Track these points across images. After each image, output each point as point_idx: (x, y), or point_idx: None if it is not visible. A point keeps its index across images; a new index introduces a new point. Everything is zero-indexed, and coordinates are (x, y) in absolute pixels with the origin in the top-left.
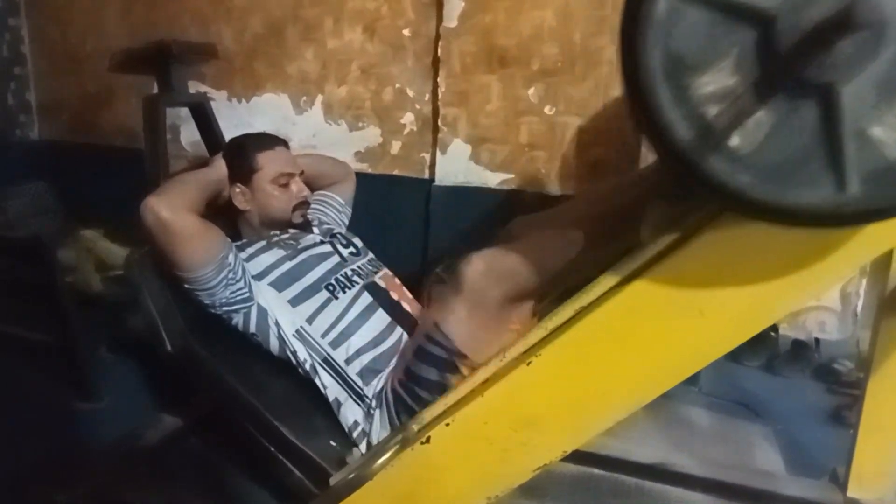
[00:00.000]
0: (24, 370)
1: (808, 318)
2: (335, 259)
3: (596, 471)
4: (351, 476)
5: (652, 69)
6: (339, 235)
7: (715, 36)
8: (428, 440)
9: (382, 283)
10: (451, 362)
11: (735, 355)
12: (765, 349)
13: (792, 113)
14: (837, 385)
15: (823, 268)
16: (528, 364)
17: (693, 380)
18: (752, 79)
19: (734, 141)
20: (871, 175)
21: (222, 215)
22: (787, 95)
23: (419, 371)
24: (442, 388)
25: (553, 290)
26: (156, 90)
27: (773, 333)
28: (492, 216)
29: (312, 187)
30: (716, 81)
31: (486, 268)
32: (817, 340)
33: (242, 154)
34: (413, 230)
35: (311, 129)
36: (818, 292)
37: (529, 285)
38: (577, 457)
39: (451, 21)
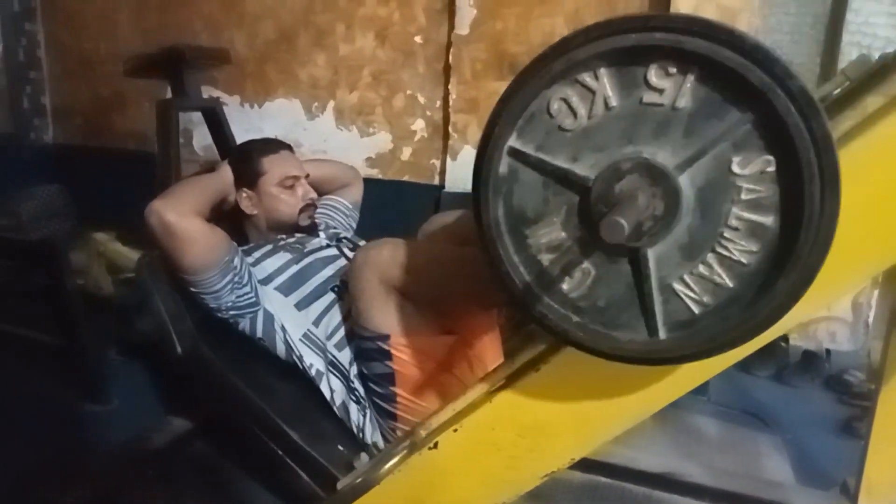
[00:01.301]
0: (33, 372)
1: (818, 329)
2: (341, 262)
3: (603, 479)
4: (358, 480)
5: (496, 221)
6: (345, 239)
7: (547, 195)
8: (436, 445)
9: None
10: (381, 348)
11: (745, 365)
12: (775, 359)
13: (610, 267)
14: (848, 396)
15: (836, 275)
16: (537, 370)
17: (702, 389)
18: (576, 235)
19: (565, 286)
20: (677, 324)
21: (229, 221)
22: (604, 252)
23: (367, 369)
24: (392, 378)
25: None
26: (168, 95)
27: (783, 344)
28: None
29: (320, 192)
30: (549, 234)
31: (367, 254)
32: (828, 351)
33: (248, 159)
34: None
35: (323, 134)
36: (830, 300)
37: (406, 282)
38: (585, 465)
39: (462, 28)
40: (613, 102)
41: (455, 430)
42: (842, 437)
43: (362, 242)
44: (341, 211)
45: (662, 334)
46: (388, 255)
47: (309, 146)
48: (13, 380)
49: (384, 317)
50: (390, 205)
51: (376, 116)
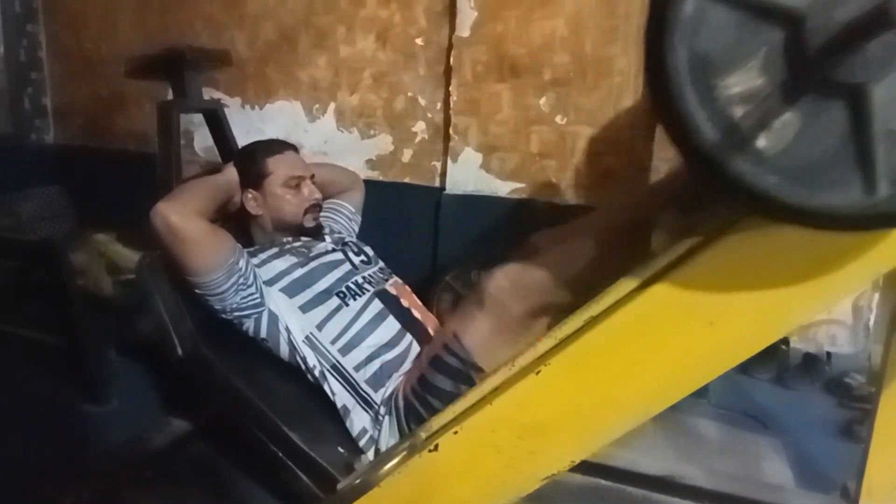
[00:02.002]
0: (33, 372)
1: (819, 332)
2: (346, 267)
3: (603, 482)
4: (357, 481)
5: (678, 70)
6: (350, 244)
7: (742, 36)
8: (436, 448)
9: (393, 291)
10: (467, 374)
11: (745, 368)
12: (775, 362)
13: (820, 114)
14: (848, 399)
15: (838, 277)
16: (537, 373)
17: (702, 392)
18: (779, 79)
19: (761, 142)
20: None
21: (234, 222)
22: (815, 96)
23: (434, 380)
24: (455, 399)
25: (573, 303)
26: (169, 96)
27: (783, 346)
28: (501, 225)
29: (322, 196)
30: (743, 82)
31: (509, 283)
32: (828, 354)
33: (252, 159)
34: (423, 238)
35: (323, 136)
36: (831, 303)
37: (552, 299)
38: (585, 467)
39: (463, 30)
40: None
41: (455, 433)
42: (842, 441)
43: (367, 248)
44: (344, 215)
45: (884, 189)
46: (530, 278)
47: (309, 148)
48: (13, 380)
49: (491, 353)
50: (391, 206)
51: (377, 118)
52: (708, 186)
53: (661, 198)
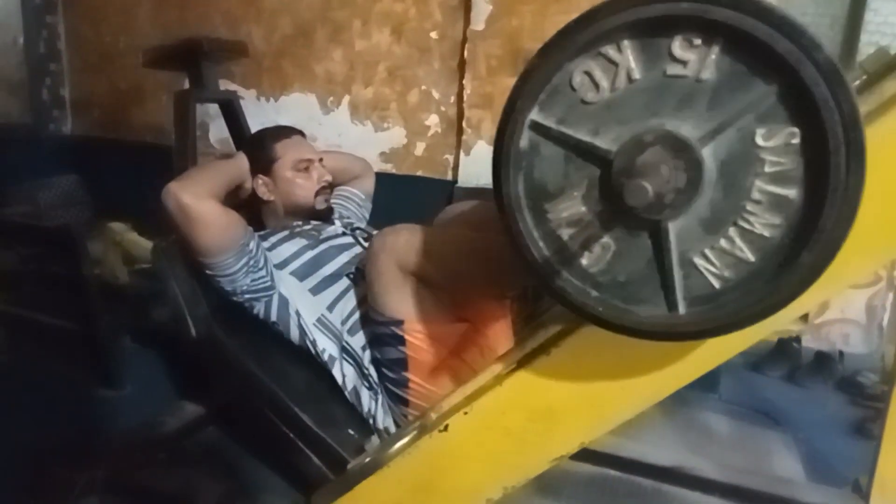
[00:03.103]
0: (49, 356)
1: (832, 331)
2: (356, 249)
3: (612, 472)
4: (367, 461)
5: (516, 195)
6: (360, 229)
7: (568, 169)
8: (446, 428)
9: None
10: (395, 334)
11: (756, 365)
12: (787, 360)
13: (630, 241)
14: (861, 398)
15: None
16: (548, 354)
17: (713, 387)
18: (597, 208)
19: (585, 261)
20: (697, 299)
21: (246, 209)
22: (625, 226)
23: (380, 354)
24: (405, 363)
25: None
26: (186, 87)
27: (795, 344)
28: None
29: (333, 184)
30: (569, 208)
31: (384, 239)
32: (841, 353)
33: (261, 145)
34: None
35: (337, 129)
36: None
37: (423, 267)
38: (594, 457)
39: (478, 24)
40: (637, 75)
41: (465, 413)
42: (854, 438)
43: (376, 232)
44: (354, 202)
45: (682, 309)
46: (405, 240)
47: (324, 140)
48: (31, 364)
49: (399, 302)
50: (404, 199)
51: (391, 111)
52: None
53: None
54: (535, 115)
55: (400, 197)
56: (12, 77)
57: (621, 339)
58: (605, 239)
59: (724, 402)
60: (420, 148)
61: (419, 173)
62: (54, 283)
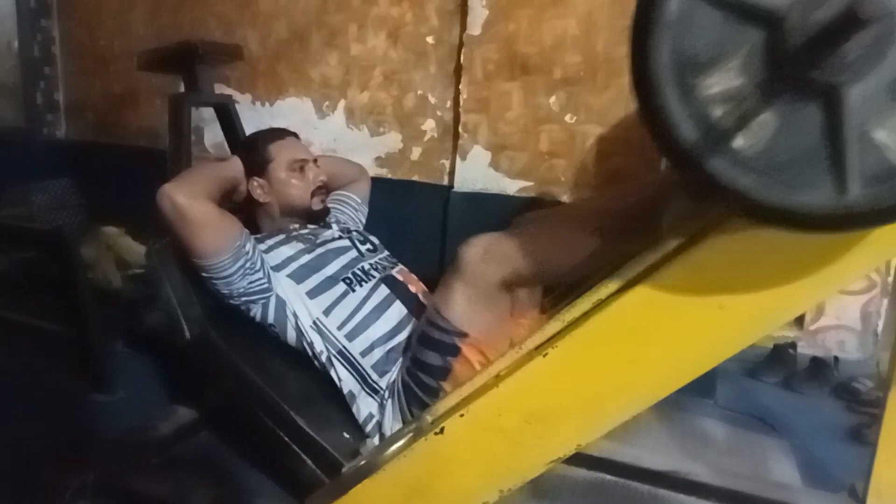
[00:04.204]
0: (41, 360)
1: (827, 337)
2: (353, 253)
3: (608, 477)
4: (362, 463)
5: (660, 68)
6: (356, 233)
7: (724, 36)
8: (442, 431)
9: (400, 277)
10: (453, 345)
11: (752, 371)
12: (783, 366)
13: (797, 114)
14: (857, 403)
15: (836, 269)
16: (545, 356)
17: (709, 393)
18: (758, 79)
19: (738, 142)
20: (872, 179)
21: (242, 213)
22: (792, 97)
23: (423, 357)
24: (446, 373)
25: (563, 283)
26: (181, 90)
27: (791, 351)
28: (510, 223)
29: (329, 188)
30: (723, 82)
31: (483, 250)
32: (836, 359)
33: (255, 147)
34: (431, 236)
35: (333, 133)
36: (834, 290)
37: (526, 272)
38: (590, 462)
39: (474, 29)
40: None
41: (461, 416)
42: (850, 443)
43: (373, 237)
44: (350, 205)
45: (856, 189)
46: (502, 248)
47: (319, 145)
48: (23, 368)
49: (475, 317)
50: (399, 204)
51: (387, 116)
52: (688, 184)
53: (663, 184)
54: None
55: (396, 202)
56: (6, 81)
57: (618, 340)
58: (766, 115)
59: (720, 408)
60: (416, 153)
61: (415, 178)
62: (46, 287)
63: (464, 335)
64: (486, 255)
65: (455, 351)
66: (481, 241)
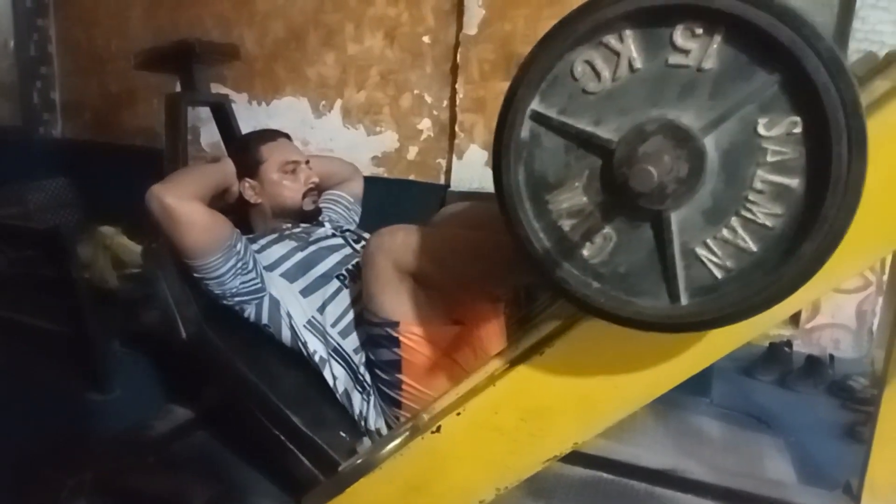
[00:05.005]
0: (38, 360)
1: (822, 335)
2: (346, 251)
3: (605, 475)
4: (359, 462)
5: (517, 185)
6: (349, 231)
7: (568, 160)
8: (438, 429)
9: None
10: (390, 335)
11: (748, 369)
12: (778, 364)
13: (632, 232)
14: (851, 401)
15: (831, 266)
16: (541, 354)
17: (705, 391)
18: (598, 200)
19: (586, 252)
20: (699, 290)
21: (235, 214)
22: (627, 217)
23: (374, 355)
24: (399, 365)
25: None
26: (178, 90)
27: (786, 349)
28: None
29: (321, 188)
30: (570, 199)
31: (380, 240)
32: (831, 357)
33: (247, 149)
34: None
35: (329, 133)
36: (829, 288)
37: (424, 266)
38: (586, 460)
39: (470, 28)
40: (638, 64)
41: (458, 414)
42: (845, 441)
43: (366, 234)
44: (343, 205)
45: (685, 300)
46: (402, 240)
47: (316, 145)
48: (20, 367)
49: (395, 304)
50: (396, 204)
51: (383, 116)
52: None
53: None
54: (535, 104)
55: (392, 201)
56: (3, 80)
57: (614, 338)
58: (607, 230)
59: (715, 406)
60: (412, 152)
61: (411, 177)
62: (43, 286)
63: (394, 324)
64: (386, 245)
65: (395, 341)
66: (385, 231)
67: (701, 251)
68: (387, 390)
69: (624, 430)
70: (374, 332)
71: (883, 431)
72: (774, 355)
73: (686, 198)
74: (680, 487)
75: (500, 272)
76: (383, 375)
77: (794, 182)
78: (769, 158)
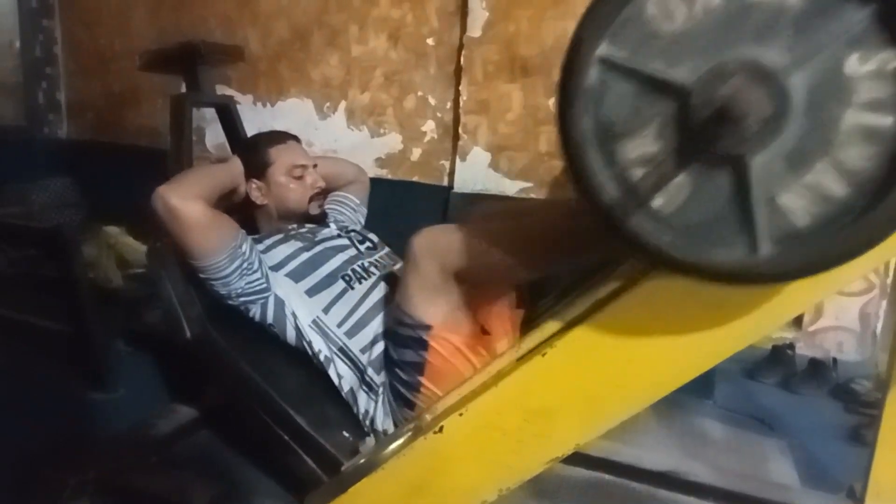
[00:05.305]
0: (41, 359)
1: (826, 338)
2: (352, 251)
3: (607, 476)
4: (362, 462)
5: (583, 134)
6: (355, 231)
7: (639, 106)
8: (441, 430)
9: (400, 274)
10: (420, 339)
11: (751, 372)
12: (781, 367)
13: (708, 180)
14: (855, 404)
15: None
16: (544, 355)
17: (707, 393)
18: (672, 146)
19: (657, 202)
20: (780, 239)
21: (241, 214)
22: (703, 163)
23: (399, 355)
24: (422, 368)
25: (509, 281)
26: (182, 91)
27: (789, 351)
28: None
29: (326, 189)
30: (640, 147)
31: (429, 240)
32: (835, 360)
33: (256, 150)
34: None
35: (334, 134)
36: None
37: (469, 265)
38: (589, 461)
39: (474, 30)
40: (716, 2)
41: (461, 415)
42: (848, 444)
43: (371, 235)
44: (348, 206)
45: (765, 249)
46: (446, 240)
47: (320, 146)
48: (23, 366)
49: (431, 307)
50: (399, 205)
51: (387, 117)
52: (612, 241)
53: None
54: (604, 49)
55: (395, 203)
56: (8, 80)
57: (616, 339)
58: (680, 178)
59: (719, 408)
60: (416, 153)
61: (415, 179)
62: (47, 286)
63: (427, 327)
64: (432, 246)
65: (424, 344)
66: (429, 232)
67: (783, 197)
68: (403, 390)
69: (626, 431)
70: (403, 332)
71: (886, 434)
72: (778, 358)
73: (768, 141)
74: (682, 489)
75: (543, 257)
76: (403, 376)
77: (886, 122)
78: (860, 97)
